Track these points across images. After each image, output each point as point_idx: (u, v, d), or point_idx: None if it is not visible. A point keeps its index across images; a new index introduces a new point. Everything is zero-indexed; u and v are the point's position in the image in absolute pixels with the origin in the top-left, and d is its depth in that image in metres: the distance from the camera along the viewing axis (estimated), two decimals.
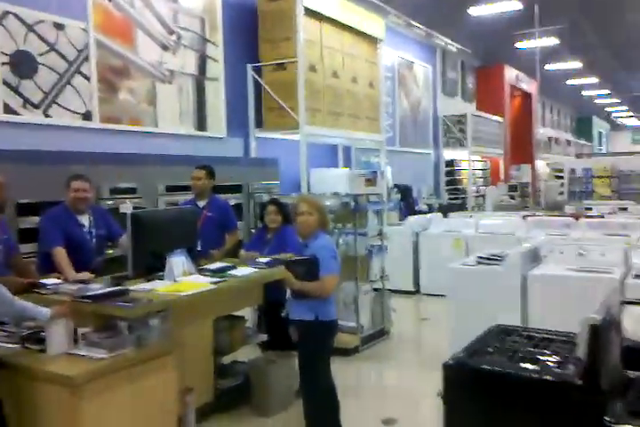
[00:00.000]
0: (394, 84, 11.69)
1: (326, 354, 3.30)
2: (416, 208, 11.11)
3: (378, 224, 5.49)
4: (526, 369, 2.17)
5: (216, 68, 7.66)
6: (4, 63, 5.30)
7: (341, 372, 3.83)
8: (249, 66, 7.94)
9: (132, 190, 5.90)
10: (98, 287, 3.03)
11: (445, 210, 10.40)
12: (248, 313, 4.26)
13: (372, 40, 9.36)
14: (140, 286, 3.12)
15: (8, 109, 5.36)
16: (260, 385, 3.75)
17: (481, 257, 4.51)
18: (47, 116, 5.71)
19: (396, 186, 10.49)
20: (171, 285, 3.16)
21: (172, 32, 7.07)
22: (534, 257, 4.48)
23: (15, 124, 5.40)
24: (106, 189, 5.62)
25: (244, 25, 7.94)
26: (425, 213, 10.30)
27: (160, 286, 3.11)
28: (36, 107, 5.63)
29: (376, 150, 10.01)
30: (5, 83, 5.32)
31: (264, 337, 3.97)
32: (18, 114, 5.45)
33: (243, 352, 4.04)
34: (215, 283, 3.24)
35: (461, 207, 12.34)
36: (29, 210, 4.69)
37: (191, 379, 3.21)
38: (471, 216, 8.57)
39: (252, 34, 7.94)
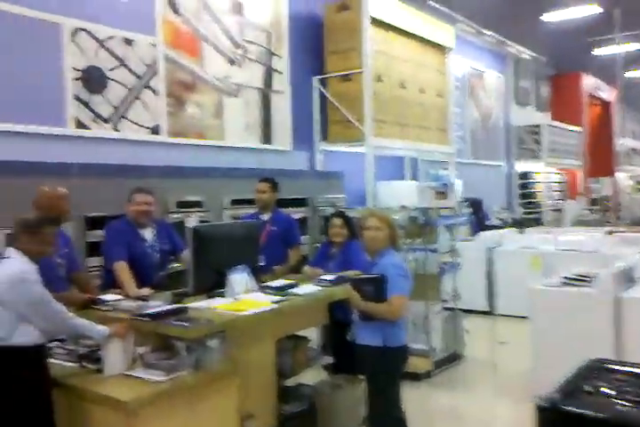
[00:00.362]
0: (464, 94, 11.31)
1: (397, 382, 3.04)
2: (487, 223, 10.62)
3: (449, 240, 5.17)
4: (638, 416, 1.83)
5: (282, 81, 7.60)
6: (75, 79, 5.41)
7: (412, 399, 3.54)
8: (314, 78, 7.84)
9: (197, 204, 5.88)
10: (157, 304, 2.91)
11: (519, 225, 9.86)
12: (313, 333, 4.05)
13: (441, 49, 9.08)
14: (199, 304, 2.97)
15: (79, 124, 5.46)
16: (326, 412, 3.51)
17: (567, 277, 4.11)
18: (116, 130, 5.78)
19: (465, 199, 10.05)
20: (231, 303, 2.99)
21: (238, 46, 7.08)
22: (628, 278, 4.04)
23: (86, 138, 5.48)
24: (173, 202, 5.61)
25: (310, 37, 7.87)
26: (497, 227, 9.81)
27: (220, 304, 2.95)
28: (106, 121, 5.71)
29: (444, 162, 9.65)
30: (77, 98, 5.43)
31: (329, 359, 3.74)
32: (88, 128, 5.54)
33: (309, 374, 3.82)
34: (277, 302, 3.05)
35: (537, 222, 11.71)
36: (97, 223, 4.70)
37: (253, 403, 3.02)
38: (548, 232, 8.06)
39: (317, 45, 7.85)
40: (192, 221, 5.77)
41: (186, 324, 2.55)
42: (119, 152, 5.69)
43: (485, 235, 7.77)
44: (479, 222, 10.01)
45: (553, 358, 4.02)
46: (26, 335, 2.31)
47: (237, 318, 2.76)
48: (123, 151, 5.73)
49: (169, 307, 2.81)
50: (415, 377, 4.57)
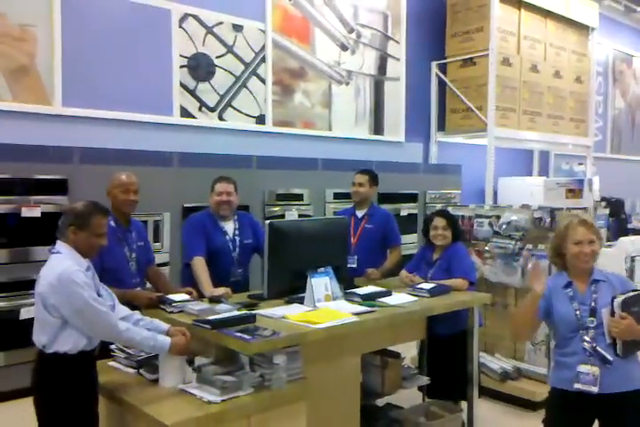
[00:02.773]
0: (606, 81, 10.04)
1: None
2: (628, 226, 9.33)
3: None
4: None
5: (397, 67, 7.10)
6: (182, 66, 5.32)
7: None
8: (433, 63, 7.25)
9: (299, 197, 5.61)
10: (226, 309, 2.60)
11: None
12: (408, 349, 3.56)
13: (581, 28, 8.06)
14: (272, 311, 2.62)
15: (184, 113, 5.37)
16: None
17: None
18: (222, 119, 5.65)
19: (603, 199, 8.89)
20: (307, 312, 2.61)
21: (351, 30, 6.68)
22: None
23: (190, 127, 5.39)
24: (273, 194, 5.38)
25: (430, 18, 7.30)
26: None
27: (294, 313, 2.58)
28: (212, 110, 5.59)
29: (580, 157, 8.59)
30: (183, 86, 5.34)
31: (425, 380, 3.24)
32: (194, 117, 5.44)
33: (401, 394, 3.34)
34: (359, 313, 2.62)
35: None
36: None
37: None
38: None
39: (437, 28, 7.26)
40: (292, 214, 5.51)
41: (247, 336, 2.20)
42: (223, 141, 5.56)
43: (627, 240, 6.69)
44: (620, 226, 8.81)
45: None
46: (70, 342, 2.07)
47: (309, 333, 2.37)
48: (226, 140, 5.60)
49: (235, 313, 2.48)
50: (530, 406, 3.89)
